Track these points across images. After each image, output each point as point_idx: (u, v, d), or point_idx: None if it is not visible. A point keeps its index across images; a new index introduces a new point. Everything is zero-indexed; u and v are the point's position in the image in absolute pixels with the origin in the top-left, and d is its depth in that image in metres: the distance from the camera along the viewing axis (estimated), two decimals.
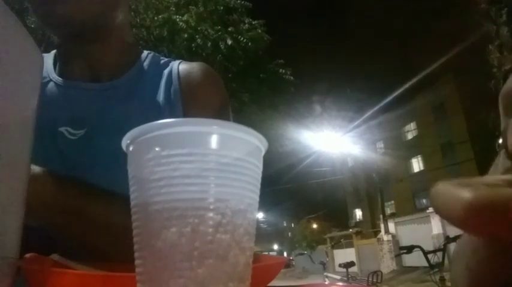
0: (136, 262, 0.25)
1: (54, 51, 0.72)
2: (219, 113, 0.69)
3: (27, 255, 0.31)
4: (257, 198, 0.27)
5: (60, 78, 0.67)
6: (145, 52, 0.75)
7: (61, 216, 0.46)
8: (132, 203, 0.26)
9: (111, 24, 0.67)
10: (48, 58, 0.71)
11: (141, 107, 0.65)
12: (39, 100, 0.32)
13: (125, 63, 0.70)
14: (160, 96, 0.67)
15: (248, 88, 8.01)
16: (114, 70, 0.68)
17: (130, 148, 0.26)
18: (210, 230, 0.23)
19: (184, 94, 0.68)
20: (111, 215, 0.46)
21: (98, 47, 0.67)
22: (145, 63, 0.72)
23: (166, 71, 0.70)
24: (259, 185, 0.27)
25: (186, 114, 0.66)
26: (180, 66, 0.71)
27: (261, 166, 0.28)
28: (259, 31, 7.78)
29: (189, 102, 0.67)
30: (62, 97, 0.65)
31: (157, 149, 0.24)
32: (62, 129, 0.61)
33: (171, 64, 0.72)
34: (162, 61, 0.73)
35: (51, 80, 0.66)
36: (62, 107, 0.64)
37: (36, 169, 0.45)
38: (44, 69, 0.68)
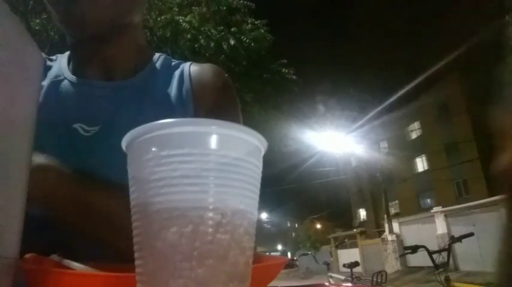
0: (136, 262, 0.25)
1: (68, 52, 0.73)
2: (229, 114, 0.70)
3: (27, 255, 0.31)
4: (257, 198, 0.27)
5: (74, 77, 0.67)
6: (157, 54, 0.76)
7: (63, 206, 0.47)
8: (132, 203, 0.26)
9: (127, 25, 0.68)
10: (63, 57, 0.72)
11: (154, 107, 0.66)
12: (39, 100, 0.32)
13: (137, 64, 0.71)
14: (172, 96, 0.68)
15: (251, 88, 8.00)
16: (128, 70, 0.69)
17: (130, 148, 0.26)
18: (210, 230, 0.23)
19: (195, 94, 0.69)
20: (114, 206, 0.47)
21: (113, 47, 0.68)
22: (158, 64, 0.73)
23: (177, 72, 0.71)
24: (259, 185, 0.27)
25: (196, 114, 0.67)
26: (191, 67, 0.72)
27: (260, 165, 0.28)
28: (262, 31, 7.78)
29: (200, 102, 0.68)
30: (76, 95, 0.65)
31: (157, 149, 0.24)
32: (76, 125, 0.62)
33: (182, 65, 0.73)
34: (173, 63, 0.75)
35: (65, 78, 0.67)
36: (76, 104, 0.64)
37: (39, 158, 0.45)
38: (58, 69, 0.69)
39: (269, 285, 0.36)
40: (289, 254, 35.17)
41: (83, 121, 0.62)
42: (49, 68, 0.71)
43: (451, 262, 3.96)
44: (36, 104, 0.31)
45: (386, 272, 6.00)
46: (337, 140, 18.45)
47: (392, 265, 16.08)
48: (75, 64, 0.70)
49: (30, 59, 0.31)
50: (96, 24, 0.61)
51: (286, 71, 8.41)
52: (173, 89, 0.68)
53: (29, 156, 0.31)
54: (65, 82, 0.67)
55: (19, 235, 0.28)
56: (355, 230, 22.51)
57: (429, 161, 21.37)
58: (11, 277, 0.26)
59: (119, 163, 0.56)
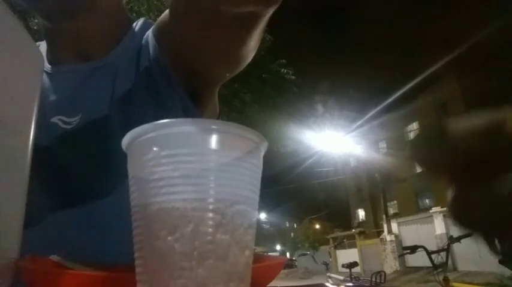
0: (137, 262, 0.25)
1: (44, 42, 0.67)
2: None
3: (27, 255, 0.31)
4: (257, 198, 0.27)
5: (49, 66, 0.62)
6: (139, 20, 0.69)
7: None
8: (132, 203, 0.26)
9: None
10: (41, 48, 0.66)
11: (126, 82, 0.59)
12: (39, 100, 0.32)
13: (115, 36, 0.64)
14: (143, 61, 0.61)
15: (250, 88, 7.98)
16: (104, 46, 0.63)
17: (130, 148, 0.26)
18: (210, 230, 0.23)
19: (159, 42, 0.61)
20: None
21: (83, 21, 0.60)
22: (136, 31, 0.66)
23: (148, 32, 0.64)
24: (259, 185, 0.27)
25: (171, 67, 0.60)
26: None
27: (260, 165, 0.28)
28: None
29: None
30: (52, 86, 0.60)
31: (157, 149, 0.24)
32: (55, 119, 0.57)
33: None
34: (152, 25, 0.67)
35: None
36: (53, 96, 0.59)
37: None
38: None
39: (269, 285, 0.36)
40: (288, 255, 35.18)
41: (62, 113, 0.57)
42: None
43: (449, 262, 3.96)
44: (37, 104, 0.31)
45: (385, 273, 6.01)
46: (336, 140, 18.46)
47: (391, 265, 16.09)
48: (51, 51, 0.64)
49: (30, 58, 0.31)
50: None
51: (285, 71, 8.41)
52: (143, 53, 0.61)
53: (29, 156, 0.31)
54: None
55: (19, 235, 0.28)
56: (353, 230, 22.54)
57: None
58: (11, 277, 0.26)
59: (106, 152, 0.53)
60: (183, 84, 0.60)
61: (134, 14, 6.11)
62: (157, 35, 0.61)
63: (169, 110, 0.58)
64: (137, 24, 0.67)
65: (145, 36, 0.63)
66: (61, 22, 0.60)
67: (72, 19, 0.59)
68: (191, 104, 0.61)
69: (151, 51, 0.60)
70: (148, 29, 0.65)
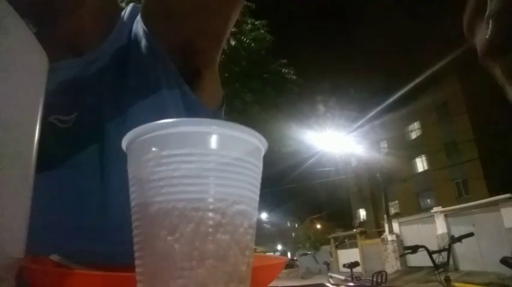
0: (136, 262, 0.25)
1: None
2: None
3: (27, 255, 0.31)
4: (257, 198, 0.27)
5: None
6: (127, 6, 0.67)
7: None
8: (132, 203, 0.26)
9: None
10: None
11: (120, 72, 0.59)
12: (43, 99, 0.32)
13: (105, 27, 0.62)
14: (134, 47, 0.60)
15: (251, 88, 7.98)
16: (95, 39, 0.61)
17: (130, 148, 0.26)
18: (210, 230, 0.23)
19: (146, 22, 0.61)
20: None
21: (70, 16, 0.59)
22: (125, 20, 0.64)
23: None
24: (259, 185, 0.27)
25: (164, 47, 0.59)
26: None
27: (261, 165, 0.28)
28: (262, 31, 7.78)
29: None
30: (46, 85, 0.61)
31: (157, 149, 0.24)
32: (52, 119, 0.56)
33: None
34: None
35: None
36: (48, 96, 0.59)
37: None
38: None
39: (269, 285, 0.36)
40: (289, 254, 35.16)
41: (59, 112, 0.56)
42: None
43: (451, 262, 3.96)
44: (41, 104, 0.31)
45: (386, 272, 6.00)
46: (337, 140, 18.44)
47: (392, 265, 16.08)
48: (42, 48, 0.65)
49: (34, 58, 0.31)
50: None
51: (286, 71, 8.41)
52: (135, 43, 0.60)
53: (34, 156, 0.31)
54: None
55: (24, 234, 0.28)
56: (355, 230, 22.51)
57: (429, 161, 21.34)
58: (15, 276, 0.26)
59: (107, 145, 0.52)
60: (180, 67, 0.59)
61: None
62: (146, 15, 0.60)
63: (166, 99, 0.57)
64: (126, 12, 0.66)
65: (134, 24, 0.62)
66: (51, 21, 0.59)
67: (60, 17, 0.59)
68: (190, 91, 0.60)
69: (142, 39, 0.59)
70: (138, 14, 0.64)
